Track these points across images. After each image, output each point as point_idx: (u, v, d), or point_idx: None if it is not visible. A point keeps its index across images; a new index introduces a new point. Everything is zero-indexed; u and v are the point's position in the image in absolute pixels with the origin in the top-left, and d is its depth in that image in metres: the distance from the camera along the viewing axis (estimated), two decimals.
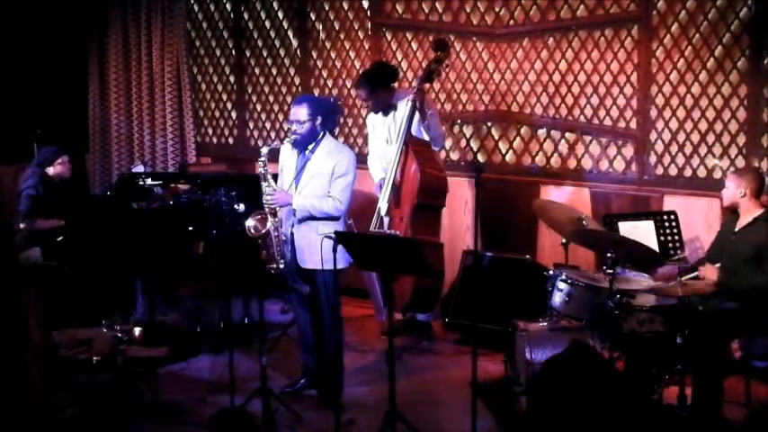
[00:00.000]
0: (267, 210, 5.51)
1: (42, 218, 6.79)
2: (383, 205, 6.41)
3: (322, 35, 7.99)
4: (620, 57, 6.72)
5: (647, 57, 6.62)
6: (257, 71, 8.39)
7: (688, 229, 6.28)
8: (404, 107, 6.38)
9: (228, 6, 8.47)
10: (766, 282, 5.23)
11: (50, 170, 7.01)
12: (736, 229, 5.47)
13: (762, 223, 5.36)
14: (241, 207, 6.25)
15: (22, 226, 6.71)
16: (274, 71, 8.28)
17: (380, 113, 6.57)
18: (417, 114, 6.30)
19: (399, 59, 7.53)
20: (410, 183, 6.23)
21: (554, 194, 6.95)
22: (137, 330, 6.21)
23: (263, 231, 5.48)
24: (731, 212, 5.61)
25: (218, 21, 8.54)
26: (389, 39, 7.63)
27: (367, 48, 7.76)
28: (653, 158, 6.72)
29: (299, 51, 8.13)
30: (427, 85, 6.78)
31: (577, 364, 4.95)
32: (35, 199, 6.83)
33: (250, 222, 5.50)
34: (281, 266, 5.49)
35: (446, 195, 6.47)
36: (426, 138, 6.43)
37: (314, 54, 8.05)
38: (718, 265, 5.29)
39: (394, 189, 6.35)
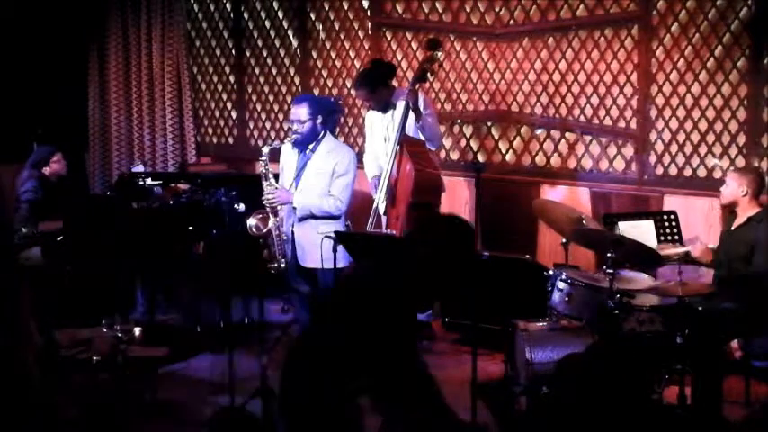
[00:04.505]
0: (269, 209, 5.51)
1: (42, 221, 6.79)
2: (381, 205, 6.41)
3: (322, 35, 7.99)
4: (620, 57, 6.72)
5: (647, 57, 6.62)
6: (257, 71, 8.39)
7: (688, 229, 6.28)
8: (402, 106, 6.38)
9: (228, 6, 8.47)
10: (754, 273, 5.26)
11: (46, 170, 7.00)
12: (732, 228, 5.53)
13: (754, 224, 5.42)
14: (241, 207, 6.24)
15: (24, 230, 6.71)
16: (274, 71, 8.28)
17: (380, 111, 6.56)
18: (412, 114, 6.30)
19: (399, 59, 7.53)
20: (405, 182, 6.23)
21: (554, 194, 6.95)
22: (137, 330, 6.21)
23: (265, 231, 5.49)
24: (730, 212, 5.63)
25: (218, 21, 8.54)
26: (389, 39, 7.64)
27: (367, 48, 7.76)
28: (653, 158, 6.72)
29: (299, 51, 8.13)
30: (426, 85, 6.78)
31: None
32: (35, 204, 6.83)
33: (252, 222, 5.51)
34: (282, 266, 5.50)
35: (441, 193, 6.46)
36: (422, 137, 6.42)
37: (314, 54, 8.05)
38: (711, 245, 5.34)
39: (389, 188, 6.35)
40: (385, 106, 6.50)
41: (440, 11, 7.39)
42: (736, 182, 5.48)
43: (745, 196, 5.43)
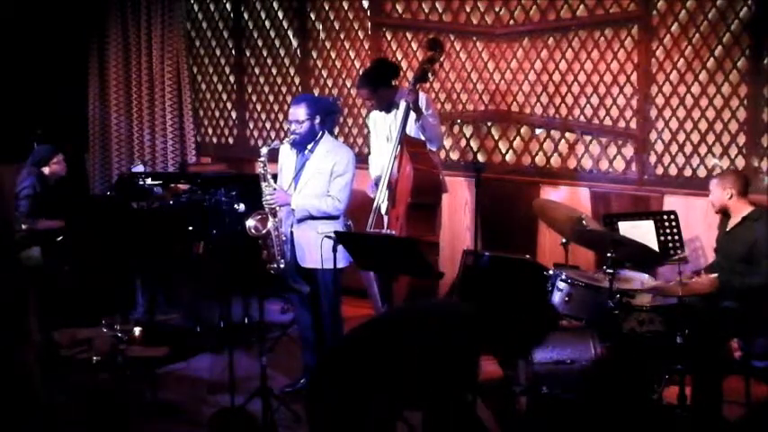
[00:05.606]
0: (267, 210, 5.51)
1: (43, 218, 6.79)
2: (383, 204, 6.41)
3: (322, 35, 7.99)
4: (620, 57, 6.72)
5: (647, 57, 6.62)
6: (257, 71, 8.39)
7: (688, 230, 6.28)
8: (404, 106, 6.37)
9: (228, 6, 8.47)
10: (760, 281, 5.25)
11: (46, 170, 7.00)
12: (728, 229, 5.54)
13: (750, 223, 5.42)
14: (241, 207, 6.25)
15: (24, 227, 6.70)
16: (274, 71, 8.29)
17: (383, 111, 6.55)
18: (413, 114, 6.30)
19: (399, 59, 7.53)
20: (405, 182, 6.23)
21: (554, 194, 6.95)
22: (137, 330, 6.22)
23: (264, 231, 5.49)
24: (724, 214, 5.64)
25: (218, 21, 8.55)
26: (389, 39, 7.63)
27: (367, 48, 7.76)
28: (653, 158, 6.72)
29: (299, 51, 8.13)
30: (427, 85, 6.77)
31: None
32: (34, 198, 6.83)
33: (251, 222, 5.50)
34: (282, 266, 5.50)
35: (441, 193, 6.46)
36: (422, 137, 6.41)
37: (314, 54, 8.05)
38: (715, 275, 5.33)
39: (390, 188, 6.34)
40: (388, 106, 6.47)
41: (440, 11, 7.39)
42: (719, 188, 5.50)
43: (731, 198, 5.45)
